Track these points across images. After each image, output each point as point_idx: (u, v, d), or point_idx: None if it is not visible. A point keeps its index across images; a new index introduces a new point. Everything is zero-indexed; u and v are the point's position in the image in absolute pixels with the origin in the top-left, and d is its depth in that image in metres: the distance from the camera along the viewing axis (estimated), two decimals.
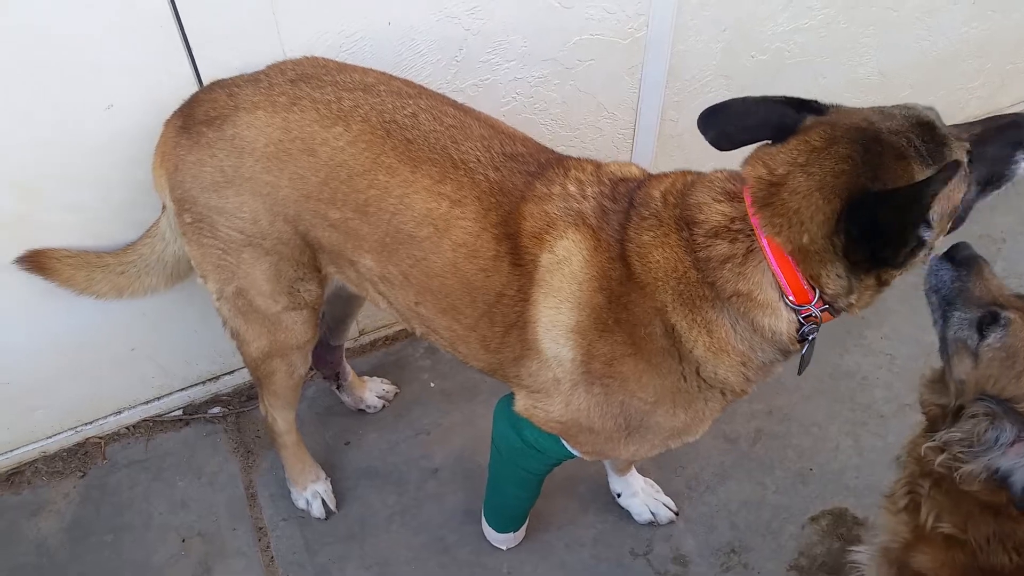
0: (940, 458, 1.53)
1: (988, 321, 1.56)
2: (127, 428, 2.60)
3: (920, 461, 1.64)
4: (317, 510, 2.40)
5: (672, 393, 1.61)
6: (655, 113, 2.62)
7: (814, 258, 1.41)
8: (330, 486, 2.43)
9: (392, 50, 2.05)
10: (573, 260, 1.56)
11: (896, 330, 2.84)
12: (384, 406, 2.65)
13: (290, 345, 1.96)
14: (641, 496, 2.38)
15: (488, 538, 2.34)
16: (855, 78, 2.96)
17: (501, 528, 2.27)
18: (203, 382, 2.63)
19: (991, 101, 3.48)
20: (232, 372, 2.65)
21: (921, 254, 1.44)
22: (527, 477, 2.00)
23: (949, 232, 1.52)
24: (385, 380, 2.67)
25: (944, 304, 1.68)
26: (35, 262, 2.03)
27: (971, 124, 1.51)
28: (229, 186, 1.70)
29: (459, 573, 2.32)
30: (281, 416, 2.22)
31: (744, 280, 1.45)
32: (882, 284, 1.47)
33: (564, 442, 1.79)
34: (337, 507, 2.43)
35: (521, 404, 1.78)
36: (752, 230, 1.44)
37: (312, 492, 2.40)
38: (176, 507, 2.45)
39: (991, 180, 1.50)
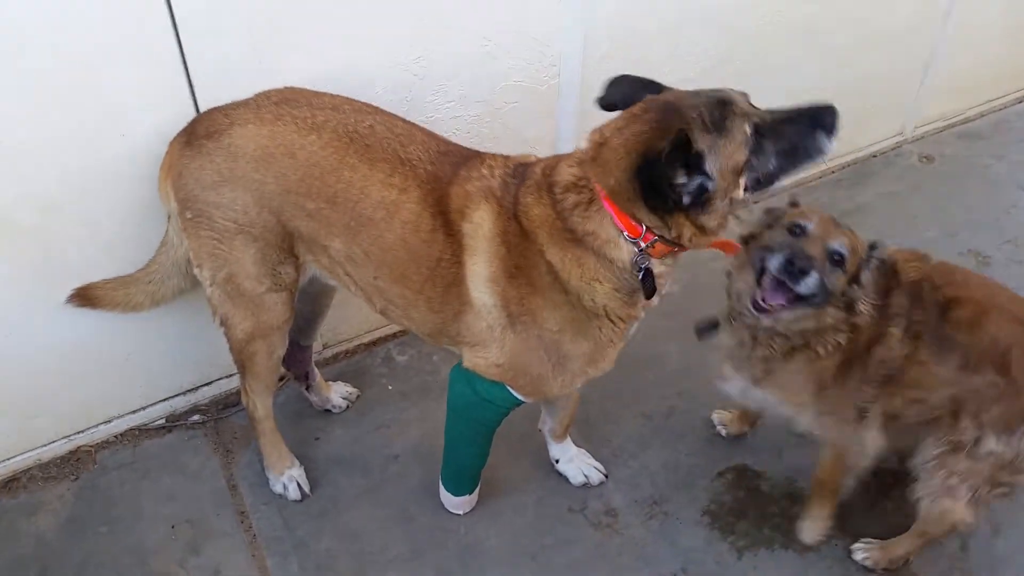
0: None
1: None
2: (115, 436, 2.90)
3: None
4: (293, 493, 2.73)
5: (569, 321, 2.04)
6: (571, 149, 3.13)
7: (622, 198, 1.87)
8: (304, 472, 2.77)
9: (354, 91, 2.48)
10: (485, 224, 2.02)
11: None
12: (348, 406, 3.01)
13: (271, 325, 2.34)
14: (576, 462, 2.79)
15: (446, 505, 2.69)
16: None
17: (458, 491, 2.63)
18: (184, 392, 2.96)
19: (851, 142, 4.17)
20: (210, 383, 2.99)
21: (720, 204, 1.86)
22: (480, 431, 2.39)
23: (759, 189, 1.90)
24: (348, 384, 3.05)
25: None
26: (83, 297, 2.46)
27: (785, 109, 1.90)
28: (225, 184, 2.12)
29: (421, 537, 2.66)
30: (260, 402, 2.57)
31: (590, 221, 1.92)
32: (699, 227, 1.88)
33: (509, 388, 2.20)
34: (311, 490, 2.75)
35: (467, 359, 2.20)
36: (593, 185, 1.91)
37: (288, 477, 2.73)
38: (164, 500, 2.74)
39: (796, 152, 1.87)
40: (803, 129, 1.87)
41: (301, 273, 2.33)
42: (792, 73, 3.59)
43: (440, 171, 2.12)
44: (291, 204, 2.14)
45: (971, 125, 4.52)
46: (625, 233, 1.90)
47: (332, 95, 2.25)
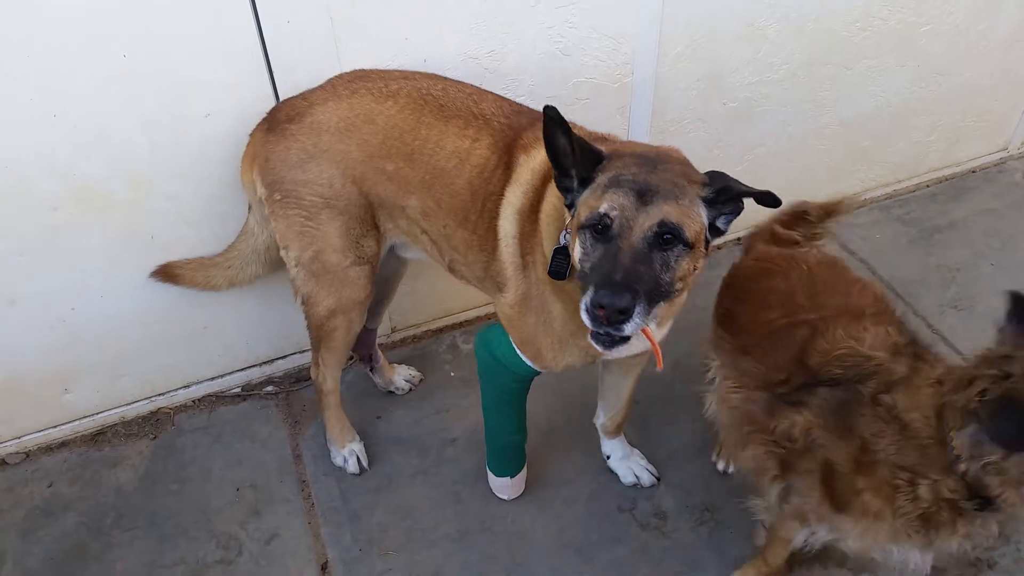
0: None
1: None
2: (193, 401, 3.08)
3: None
4: (352, 466, 2.84)
5: (545, 276, 2.02)
6: None
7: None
8: (363, 447, 2.88)
9: None
10: (537, 158, 2.07)
11: None
12: (410, 389, 3.10)
13: (353, 300, 2.45)
14: (627, 461, 2.78)
15: (492, 488, 2.74)
16: (818, 127, 3.48)
17: (499, 471, 2.68)
18: (260, 364, 3.11)
19: (948, 155, 3.99)
20: (285, 357, 3.14)
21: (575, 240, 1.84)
22: (503, 398, 2.43)
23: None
24: (411, 367, 3.14)
25: None
26: (165, 274, 2.66)
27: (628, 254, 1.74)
28: (311, 160, 2.25)
29: (470, 519, 2.71)
30: (331, 375, 2.70)
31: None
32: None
33: (515, 348, 2.23)
34: (369, 465, 2.85)
35: (496, 304, 2.25)
36: None
37: (349, 450, 2.84)
38: (232, 464, 2.90)
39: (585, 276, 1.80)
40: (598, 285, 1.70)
41: (382, 246, 2.44)
42: (885, 81, 3.47)
43: (515, 123, 2.21)
44: (373, 169, 2.25)
45: None
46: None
47: (401, 70, 2.38)
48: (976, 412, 1.68)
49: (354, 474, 2.84)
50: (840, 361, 2.03)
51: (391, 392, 3.09)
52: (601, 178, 1.80)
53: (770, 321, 2.23)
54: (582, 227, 1.79)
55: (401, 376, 3.09)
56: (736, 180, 1.81)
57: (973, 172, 4.10)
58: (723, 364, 2.43)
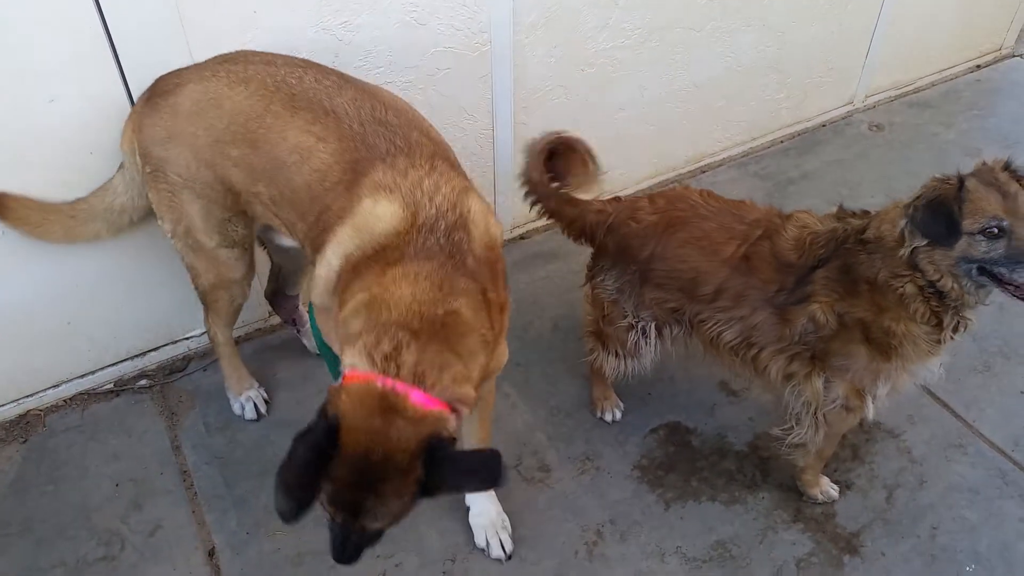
0: None
1: None
2: (64, 400, 2.98)
3: None
4: (249, 412, 2.90)
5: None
6: (508, 116, 3.21)
7: None
8: (263, 393, 2.93)
9: None
10: (383, 222, 1.91)
11: None
12: None
13: (230, 279, 2.49)
14: (486, 526, 2.61)
15: None
16: (674, 89, 3.63)
17: None
18: (131, 357, 3.03)
19: (799, 111, 4.23)
20: (157, 348, 3.06)
21: None
22: (325, 357, 2.40)
23: None
24: None
25: None
26: None
27: None
28: (170, 140, 2.22)
29: None
30: (221, 331, 2.74)
31: None
32: None
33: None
34: (257, 446, 2.84)
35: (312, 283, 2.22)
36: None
37: (246, 397, 2.90)
38: (109, 460, 2.82)
39: None
40: None
41: (253, 229, 2.43)
42: (732, 42, 3.65)
43: (371, 138, 2.07)
44: (220, 154, 2.21)
45: (922, 95, 4.58)
46: None
47: (274, 54, 2.33)
48: (909, 210, 2.11)
49: (252, 420, 2.89)
50: (815, 245, 2.30)
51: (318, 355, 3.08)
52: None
53: (730, 256, 2.38)
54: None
55: None
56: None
57: (823, 126, 4.36)
58: (685, 317, 2.53)
